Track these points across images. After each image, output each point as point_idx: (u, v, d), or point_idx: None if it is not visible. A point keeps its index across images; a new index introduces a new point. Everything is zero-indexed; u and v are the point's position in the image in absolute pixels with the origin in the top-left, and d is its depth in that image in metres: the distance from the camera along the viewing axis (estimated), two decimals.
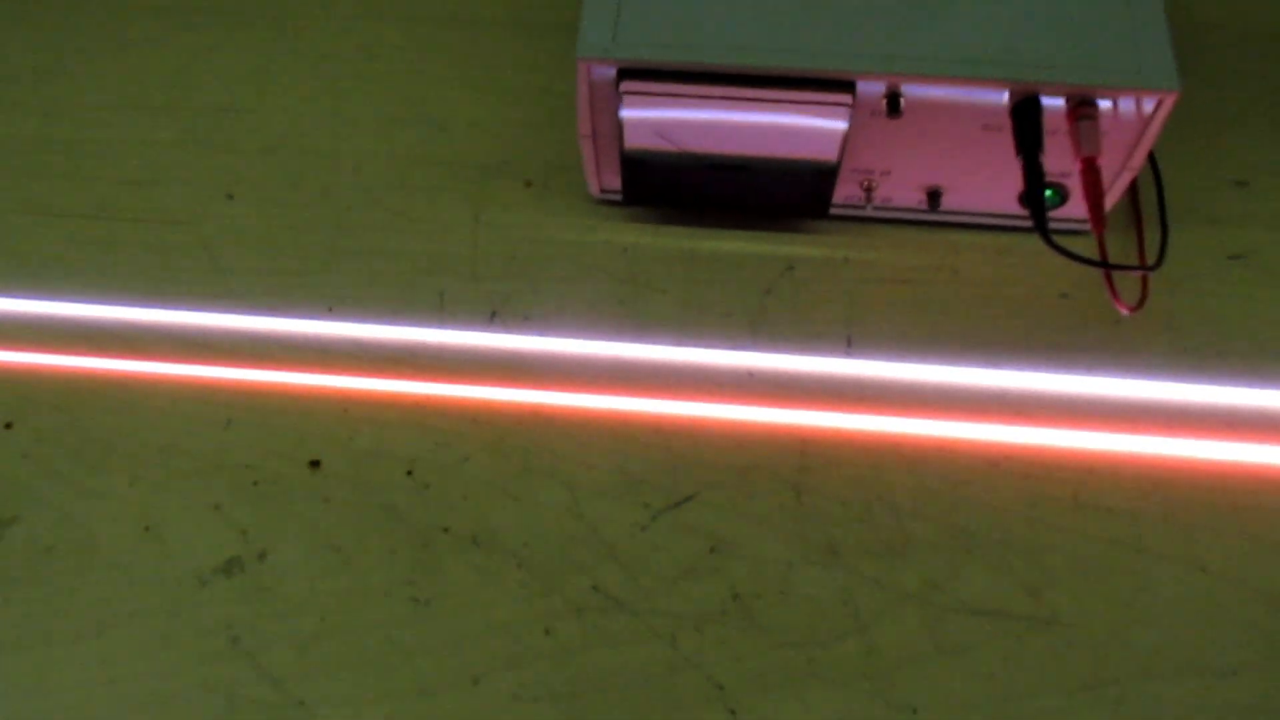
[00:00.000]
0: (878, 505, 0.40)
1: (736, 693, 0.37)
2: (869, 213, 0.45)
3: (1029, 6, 0.40)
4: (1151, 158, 0.45)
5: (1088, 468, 0.40)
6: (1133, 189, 0.45)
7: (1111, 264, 0.39)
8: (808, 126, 0.39)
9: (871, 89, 0.39)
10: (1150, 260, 0.43)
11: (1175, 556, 0.39)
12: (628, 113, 0.39)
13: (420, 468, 0.41)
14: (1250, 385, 0.42)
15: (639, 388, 0.42)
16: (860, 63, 0.38)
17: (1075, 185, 0.42)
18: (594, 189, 0.45)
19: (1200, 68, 0.49)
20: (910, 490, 0.40)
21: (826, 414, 0.41)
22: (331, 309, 0.44)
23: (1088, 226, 0.42)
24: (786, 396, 0.42)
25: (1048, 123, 0.40)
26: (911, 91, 0.39)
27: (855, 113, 0.39)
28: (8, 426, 0.42)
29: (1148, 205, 0.45)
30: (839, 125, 0.39)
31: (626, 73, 0.39)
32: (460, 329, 0.43)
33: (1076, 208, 0.43)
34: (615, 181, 0.44)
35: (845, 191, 0.44)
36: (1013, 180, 0.42)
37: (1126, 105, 0.39)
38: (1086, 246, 0.41)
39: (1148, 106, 0.39)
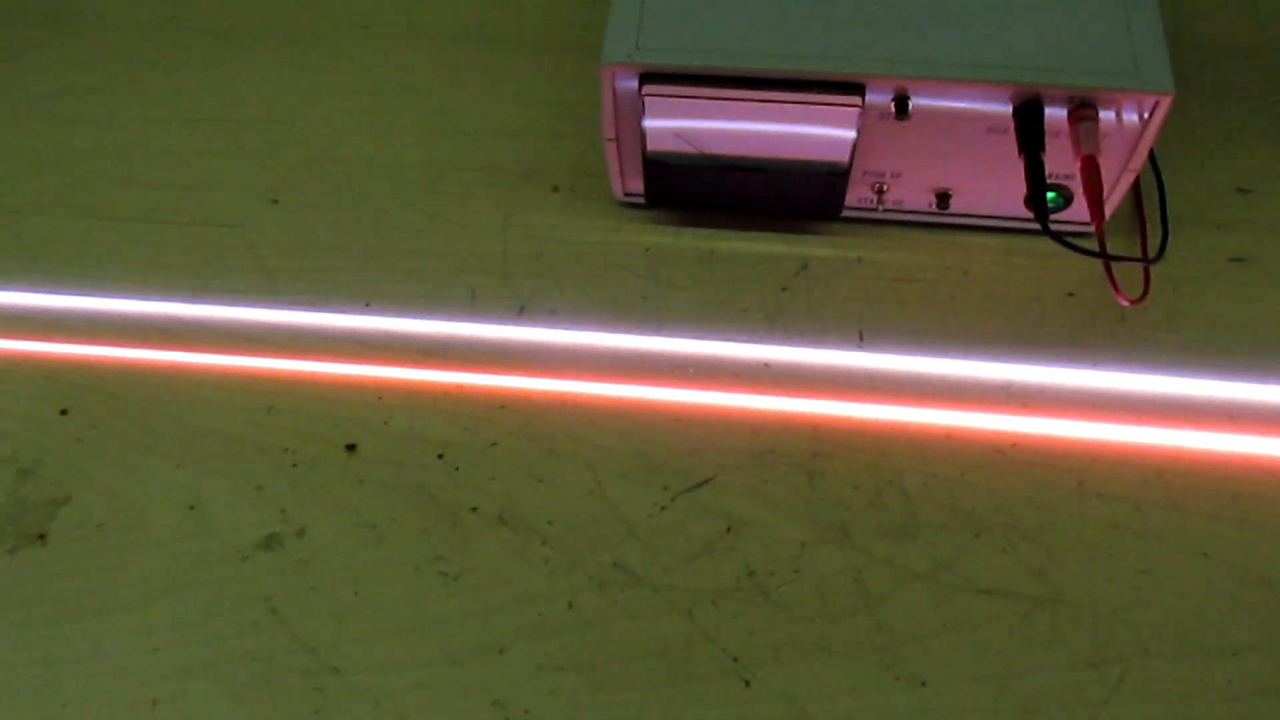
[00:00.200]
0: (888, 490, 0.41)
1: (751, 664, 0.38)
2: (880, 215, 0.47)
3: (1032, 13, 0.42)
4: (1154, 164, 0.47)
5: (1091, 456, 0.42)
6: (1136, 194, 0.47)
7: (1111, 255, 0.41)
8: (820, 127, 0.41)
9: (880, 91, 0.41)
10: (1151, 256, 0.44)
11: (1176, 542, 0.40)
12: (650, 115, 0.42)
13: (451, 451, 0.43)
14: (1249, 381, 0.43)
15: (659, 377, 0.44)
16: (869, 66, 0.40)
17: (1078, 188, 0.44)
18: (617, 192, 0.47)
19: (1203, 82, 0.51)
20: (919, 476, 0.41)
21: (839, 403, 0.43)
22: (369, 304, 0.46)
23: (1091, 229, 0.43)
24: (801, 387, 0.43)
25: (1050, 127, 0.42)
26: (918, 93, 0.41)
27: (865, 115, 0.41)
28: (63, 413, 0.44)
29: (1151, 211, 0.47)
30: (850, 127, 0.41)
31: (648, 77, 0.41)
32: (490, 323, 0.45)
33: (1079, 210, 0.44)
34: (638, 185, 0.46)
35: (857, 194, 0.46)
36: (1019, 184, 0.43)
37: (1124, 106, 0.41)
38: (1090, 248, 0.43)
39: (1145, 108, 0.41)
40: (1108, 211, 0.44)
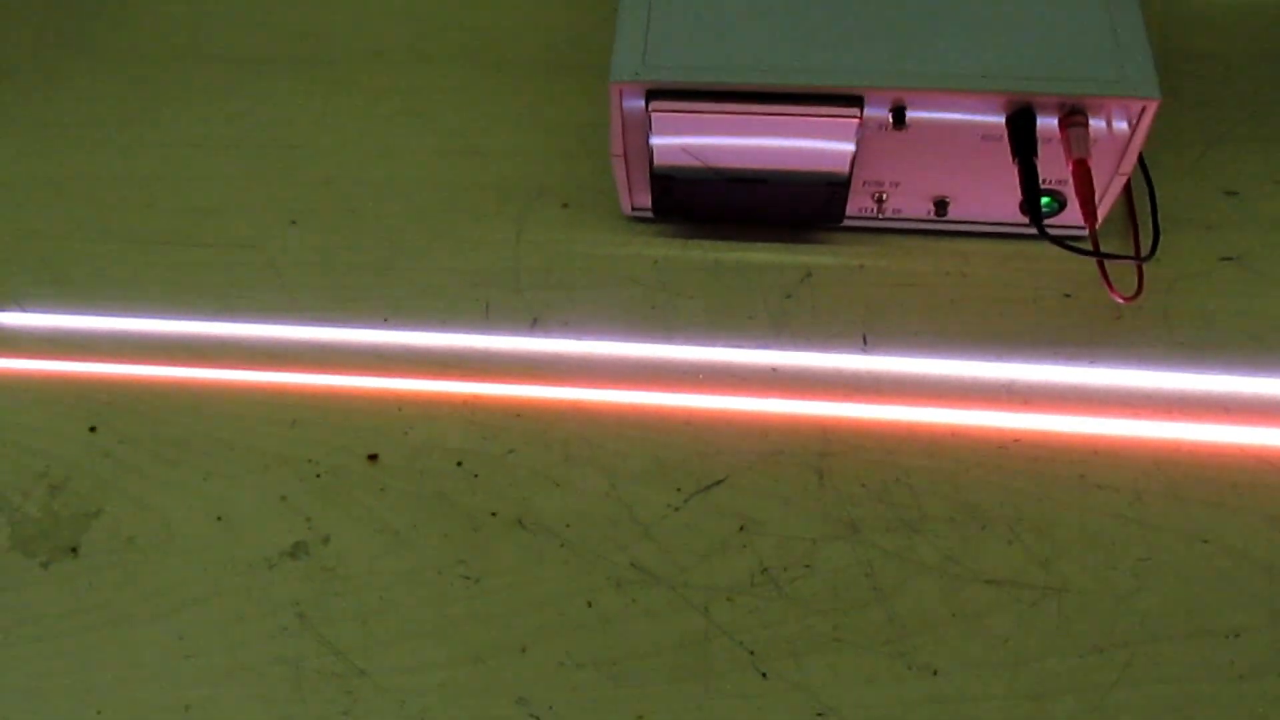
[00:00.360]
0: (895, 486, 0.42)
1: (767, 657, 0.39)
2: (880, 223, 0.48)
3: (1022, 26, 0.44)
4: (1144, 168, 0.48)
5: (1092, 449, 0.43)
6: (1128, 198, 0.48)
7: (1104, 253, 0.43)
8: (821, 139, 0.43)
9: (878, 103, 0.43)
10: (1144, 255, 0.46)
11: (1176, 529, 0.41)
12: (657, 131, 0.43)
13: (469, 459, 0.44)
14: (1242, 374, 0.45)
15: (670, 383, 0.45)
16: (867, 78, 0.42)
17: (1070, 193, 0.45)
18: (625, 207, 0.49)
19: (1191, 91, 0.53)
20: (925, 472, 0.43)
21: (846, 404, 0.44)
22: (387, 320, 0.48)
23: (1085, 232, 0.45)
24: (808, 389, 0.45)
25: (1042, 135, 0.43)
26: (915, 104, 0.43)
27: (864, 126, 0.43)
28: (92, 430, 0.46)
29: (1143, 214, 0.48)
30: (849, 138, 0.43)
31: (655, 94, 0.43)
32: (504, 334, 0.47)
33: (1073, 215, 0.46)
34: (645, 199, 0.48)
35: (858, 203, 0.47)
36: (1013, 190, 0.45)
37: (1113, 112, 0.42)
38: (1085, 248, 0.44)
39: (1133, 113, 0.42)
40: (1100, 215, 0.45)
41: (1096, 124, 0.43)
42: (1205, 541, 0.41)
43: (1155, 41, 0.43)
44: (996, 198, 0.46)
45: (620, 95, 0.43)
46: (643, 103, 0.43)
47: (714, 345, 0.46)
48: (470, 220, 0.51)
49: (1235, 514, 0.41)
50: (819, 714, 0.38)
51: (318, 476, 0.44)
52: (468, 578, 0.41)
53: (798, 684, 0.39)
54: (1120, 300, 0.43)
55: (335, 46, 0.57)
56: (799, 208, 0.47)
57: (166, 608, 0.41)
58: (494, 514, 0.43)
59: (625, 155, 0.46)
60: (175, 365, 0.47)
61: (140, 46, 0.58)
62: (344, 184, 0.52)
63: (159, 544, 0.43)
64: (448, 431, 0.45)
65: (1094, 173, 0.43)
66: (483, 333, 0.47)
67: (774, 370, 0.45)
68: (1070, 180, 0.44)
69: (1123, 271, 0.45)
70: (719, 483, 0.43)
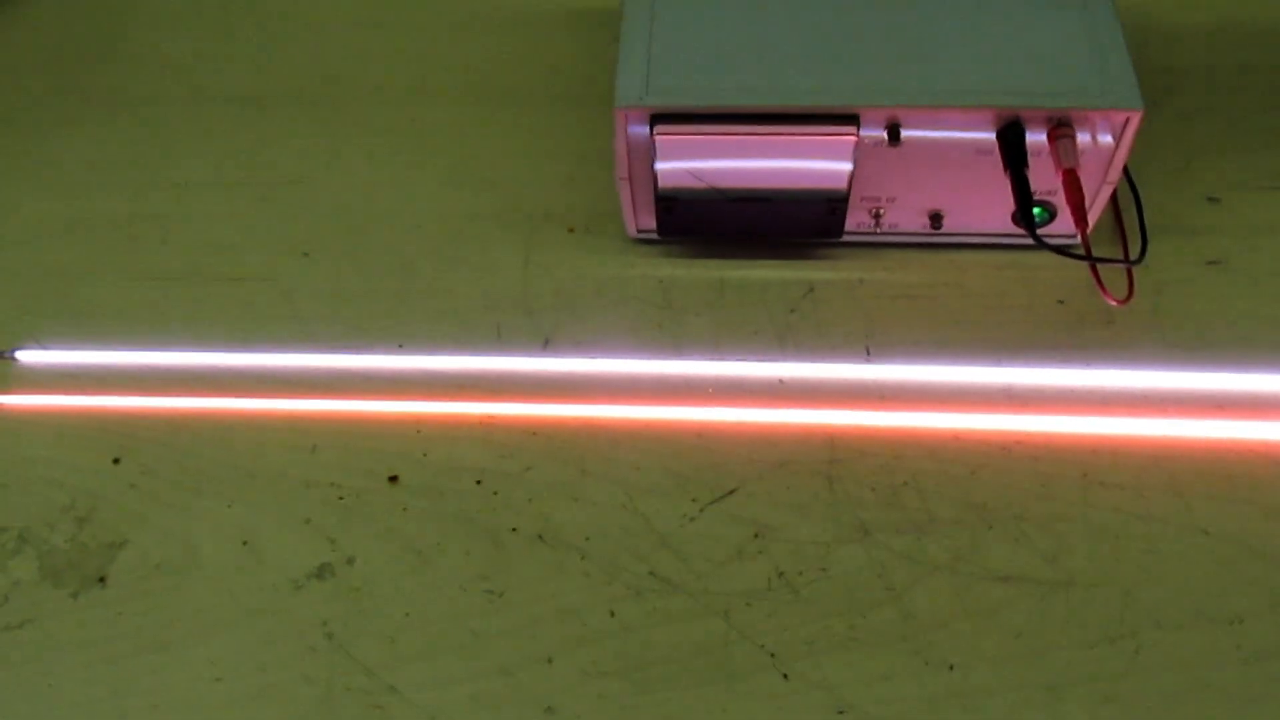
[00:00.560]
0: (904, 490, 0.44)
1: (787, 659, 0.40)
2: (878, 237, 0.50)
3: (1010, 44, 0.45)
4: (1130, 178, 0.50)
5: (1092, 449, 0.44)
6: (1115, 207, 0.50)
7: (1096, 257, 0.44)
8: (820, 156, 0.45)
9: (874, 120, 0.44)
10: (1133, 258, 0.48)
11: (1178, 522, 0.43)
12: (661, 154, 0.45)
13: (488, 477, 0.45)
14: (1233, 371, 0.46)
15: (681, 398, 0.46)
16: (863, 98, 0.44)
17: (1061, 203, 0.47)
18: (631, 230, 0.50)
19: (1174, 104, 0.55)
20: (932, 475, 0.44)
21: (852, 412, 0.46)
22: (401, 345, 0.49)
23: (1076, 239, 0.46)
24: (814, 399, 0.46)
25: (1031, 149, 0.45)
26: (908, 121, 0.44)
27: (861, 143, 0.45)
28: (116, 462, 0.47)
29: (1130, 222, 0.50)
30: (847, 155, 0.45)
31: (659, 117, 0.44)
32: (517, 355, 0.48)
33: (1064, 224, 0.48)
34: (650, 222, 0.50)
35: (856, 219, 0.49)
36: (1005, 202, 0.47)
37: (1099, 124, 0.44)
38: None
39: (1118, 124, 0.44)
40: (1090, 223, 0.47)
41: (1083, 136, 0.45)
42: (1205, 533, 0.42)
43: (1136, 58, 0.45)
44: (989, 210, 0.48)
45: (625, 120, 0.45)
46: (647, 127, 0.45)
47: (722, 360, 0.47)
48: (479, 247, 0.52)
49: (1233, 506, 0.43)
50: (840, 711, 0.39)
51: (340, 499, 0.45)
52: (491, 592, 0.42)
53: (818, 683, 0.40)
54: (1113, 303, 0.45)
55: (339, 85, 0.59)
56: (800, 225, 0.48)
57: (196, 633, 0.42)
58: (514, 530, 0.44)
59: (630, 178, 0.47)
60: (195, 396, 0.48)
61: (148, 91, 0.59)
62: (353, 216, 0.53)
63: (186, 571, 0.44)
64: (466, 451, 0.46)
65: (1082, 183, 0.45)
66: (496, 354, 0.48)
67: (781, 382, 0.47)
68: (1060, 190, 0.45)
69: (1113, 277, 0.47)
70: (732, 492, 0.44)
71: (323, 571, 0.43)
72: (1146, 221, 0.49)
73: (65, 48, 0.62)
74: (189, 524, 0.45)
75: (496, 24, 0.61)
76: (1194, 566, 0.41)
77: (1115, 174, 0.46)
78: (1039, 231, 0.46)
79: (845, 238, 0.49)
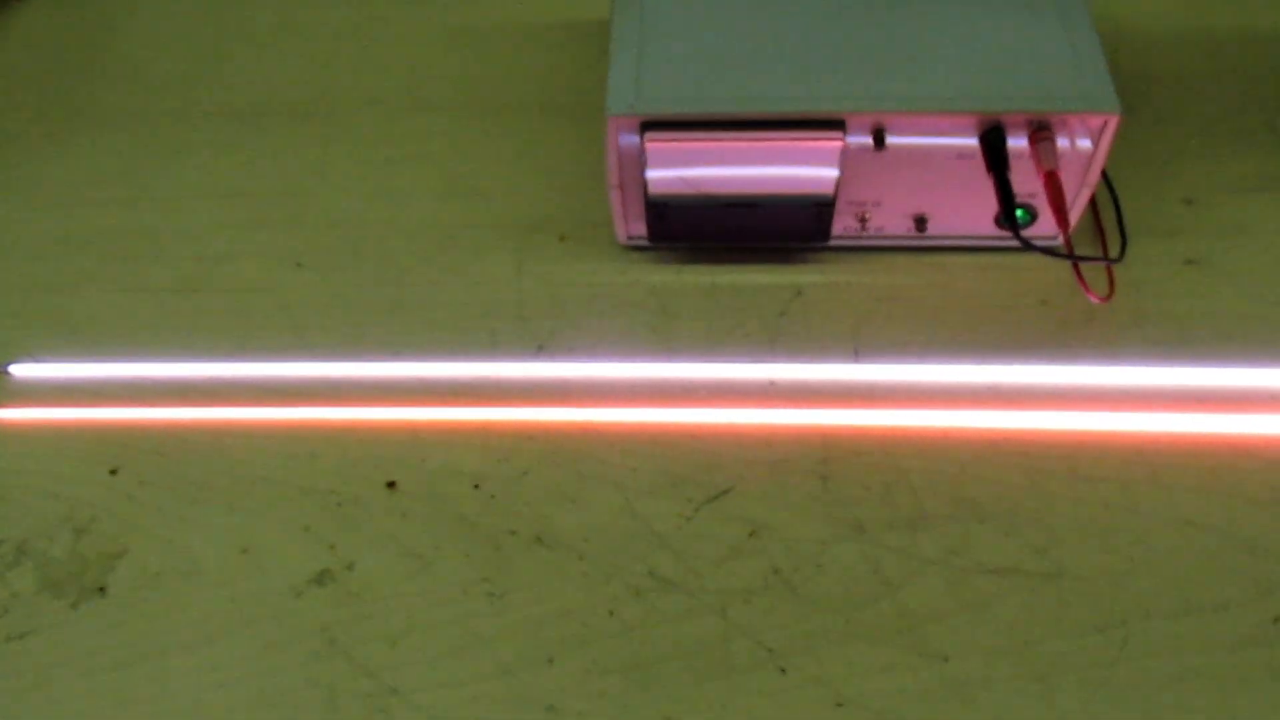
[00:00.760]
0: (895, 487, 0.45)
1: (785, 654, 0.41)
2: (864, 241, 0.51)
3: (990, 50, 0.47)
4: (1108, 181, 0.51)
5: (1078, 443, 0.45)
6: (1094, 209, 0.51)
7: (1077, 255, 0.45)
8: (807, 161, 0.46)
9: (859, 126, 0.45)
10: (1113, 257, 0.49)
11: (1163, 514, 0.44)
12: (651, 161, 0.46)
13: (486, 481, 0.46)
14: (1211, 366, 0.47)
15: (674, 400, 0.47)
16: (848, 103, 0.45)
17: (1042, 205, 0.48)
18: (621, 237, 0.51)
19: (1149, 110, 0.57)
20: (923, 472, 0.45)
21: (843, 412, 0.46)
22: (397, 353, 0.49)
23: (1058, 240, 0.48)
24: (805, 399, 0.47)
25: (1012, 153, 0.46)
26: (893, 126, 0.45)
27: (846, 148, 0.46)
28: (113, 473, 0.47)
29: (1109, 224, 0.51)
30: (833, 161, 0.46)
31: (649, 125, 0.45)
32: (512, 361, 0.49)
33: (1045, 226, 0.49)
34: (640, 229, 0.50)
35: (842, 224, 0.50)
36: (988, 205, 0.48)
37: (1077, 128, 0.45)
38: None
39: (1096, 128, 0.45)
40: (1070, 223, 0.48)
41: (1063, 140, 0.46)
42: (1190, 524, 0.43)
43: (1114, 64, 0.46)
44: (973, 213, 0.49)
45: (616, 128, 0.46)
46: (638, 135, 0.46)
47: (714, 362, 0.48)
48: (472, 256, 0.53)
49: (1216, 496, 0.44)
50: (838, 704, 0.40)
51: (339, 506, 0.45)
52: (492, 594, 0.43)
53: (816, 677, 0.40)
54: (1095, 300, 0.46)
55: (331, 98, 0.59)
56: (788, 229, 0.49)
57: (197, 640, 0.42)
58: (513, 533, 0.44)
59: (621, 186, 0.48)
60: (192, 406, 0.48)
61: (140, 106, 0.60)
62: (348, 227, 0.54)
63: (186, 579, 0.44)
64: (463, 456, 0.46)
65: (1063, 184, 0.46)
66: (491, 360, 0.49)
67: (772, 383, 0.48)
68: (1041, 193, 0.46)
69: (1094, 277, 0.48)
70: (727, 492, 0.45)
71: (323, 577, 0.44)
72: (1125, 223, 0.50)
73: (57, 62, 0.62)
74: (188, 533, 0.45)
75: (487, 36, 0.62)
76: (1180, 556, 0.42)
77: (1094, 176, 0.47)
78: (1021, 232, 0.47)
79: (832, 242, 0.50)
